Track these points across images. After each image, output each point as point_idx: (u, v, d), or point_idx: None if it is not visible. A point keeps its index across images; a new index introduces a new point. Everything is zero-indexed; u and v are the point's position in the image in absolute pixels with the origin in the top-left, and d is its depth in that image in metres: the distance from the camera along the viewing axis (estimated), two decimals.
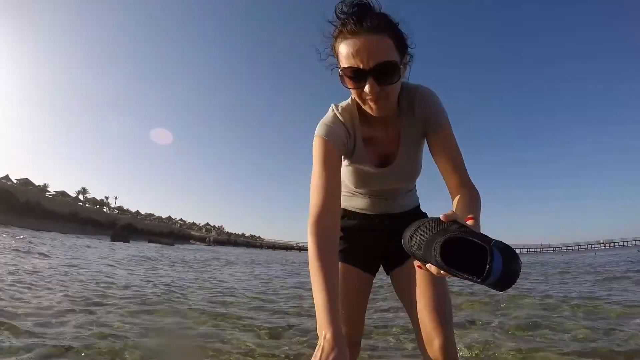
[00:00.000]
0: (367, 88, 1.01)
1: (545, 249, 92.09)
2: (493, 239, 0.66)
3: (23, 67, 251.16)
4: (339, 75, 1.05)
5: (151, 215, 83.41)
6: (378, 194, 1.40)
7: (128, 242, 38.22)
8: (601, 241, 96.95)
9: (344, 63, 1.02)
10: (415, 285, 1.27)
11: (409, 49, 1.08)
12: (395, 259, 1.40)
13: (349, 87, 1.05)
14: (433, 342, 1.19)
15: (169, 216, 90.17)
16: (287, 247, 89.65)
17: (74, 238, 26.68)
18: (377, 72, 0.99)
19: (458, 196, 1.13)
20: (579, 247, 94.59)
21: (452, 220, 0.76)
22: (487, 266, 0.61)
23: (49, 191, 61.89)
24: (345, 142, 1.18)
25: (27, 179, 57.36)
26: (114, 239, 38.98)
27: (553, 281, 7.93)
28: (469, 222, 0.81)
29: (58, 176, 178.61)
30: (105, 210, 68.90)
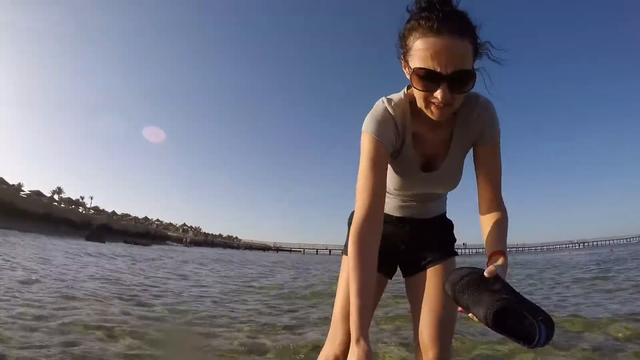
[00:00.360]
0: (438, 94, 0.96)
1: (522, 249, 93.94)
2: (538, 311, 0.76)
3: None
4: (409, 74, 0.99)
5: (127, 215, 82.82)
6: (414, 197, 1.36)
7: (103, 242, 38.42)
8: (575, 241, 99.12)
9: (417, 61, 0.95)
10: (428, 293, 1.32)
11: (485, 48, 1.02)
12: (415, 266, 1.39)
13: (418, 88, 0.98)
14: (428, 351, 1.25)
15: (146, 216, 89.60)
16: (265, 248, 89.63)
17: (44, 238, 26.55)
18: (453, 79, 0.93)
19: (489, 217, 1.14)
20: (554, 246, 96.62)
21: (494, 276, 0.84)
22: (537, 337, 0.74)
23: (23, 190, 61.28)
24: (394, 141, 1.14)
25: (1, 177, 56.71)
26: (89, 239, 39.18)
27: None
28: (500, 262, 0.94)
29: (34, 175, 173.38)
30: (80, 210, 68.42)
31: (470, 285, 0.84)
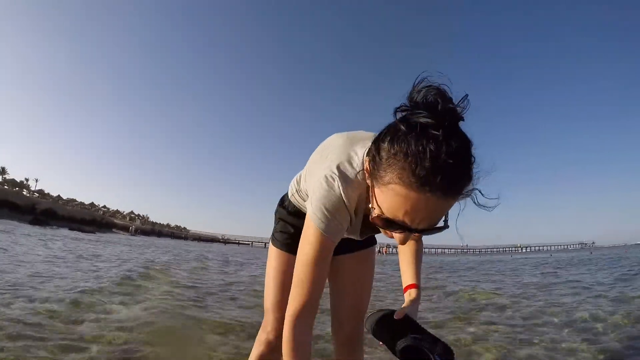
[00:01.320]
0: (398, 237, 0.86)
1: (466, 250, 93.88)
2: (437, 345, 0.90)
3: None
4: (373, 210, 0.83)
5: (73, 200, 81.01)
6: None
7: (47, 227, 39.04)
8: (518, 245, 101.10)
9: (386, 205, 0.78)
10: (349, 275, 1.43)
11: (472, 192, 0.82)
12: (338, 251, 1.25)
13: (379, 225, 0.83)
14: (345, 326, 1.41)
15: (92, 202, 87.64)
16: (213, 239, 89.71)
17: None
18: (421, 232, 0.80)
19: (407, 251, 1.21)
20: (498, 249, 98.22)
21: (402, 317, 1.00)
22: None
23: None
24: (345, 233, 1.05)
25: None
26: (33, 223, 39.76)
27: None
28: (413, 295, 1.11)
29: None
30: (25, 193, 66.93)
31: (384, 326, 1.01)
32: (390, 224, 0.81)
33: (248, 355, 1.46)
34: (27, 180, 73.33)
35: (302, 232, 1.04)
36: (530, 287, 6.98)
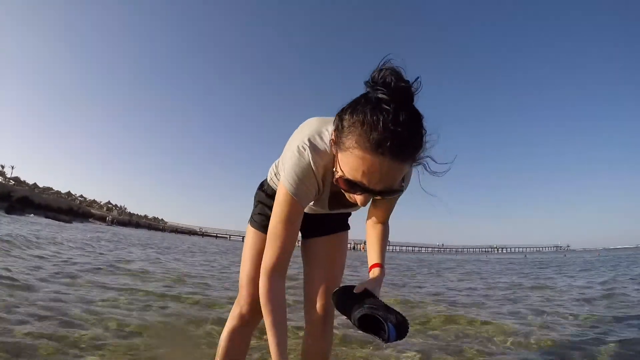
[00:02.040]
0: (359, 199, 0.96)
1: (443, 249, 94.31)
2: (392, 315, 0.98)
3: None
4: (336, 173, 0.97)
5: (50, 189, 78.92)
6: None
7: (23, 215, 37.40)
8: (495, 245, 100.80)
9: (347, 168, 0.92)
10: (321, 257, 1.49)
11: (424, 160, 0.97)
12: (312, 231, 1.50)
13: (341, 187, 0.98)
14: (317, 302, 1.44)
15: (69, 191, 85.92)
16: (191, 232, 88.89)
17: None
18: (379, 193, 0.93)
19: (375, 233, 1.33)
20: (474, 249, 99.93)
21: (362, 291, 1.10)
22: (386, 335, 0.96)
23: None
24: (314, 197, 1.16)
25: None
26: (9, 211, 38.52)
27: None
28: (376, 274, 1.22)
29: None
30: (0, 180, 65.89)
31: (346, 299, 1.11)
32: (351, 185, 0.95)
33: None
34: (2, 167, 71.26)
35: (275, 196, 1.16)
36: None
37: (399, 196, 1.22)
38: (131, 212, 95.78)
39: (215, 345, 1.70)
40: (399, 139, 0.85)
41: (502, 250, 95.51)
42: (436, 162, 0.99)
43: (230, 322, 1.48)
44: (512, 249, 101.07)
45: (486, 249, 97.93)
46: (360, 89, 0.97)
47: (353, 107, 0.93)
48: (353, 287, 1.15)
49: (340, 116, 0.97)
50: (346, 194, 1.03)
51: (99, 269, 6.18)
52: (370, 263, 1.31)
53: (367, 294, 1.10)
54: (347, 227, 1.60)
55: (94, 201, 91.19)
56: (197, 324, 3.16)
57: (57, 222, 36.49)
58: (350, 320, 1.06)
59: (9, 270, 4.86)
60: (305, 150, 1.09)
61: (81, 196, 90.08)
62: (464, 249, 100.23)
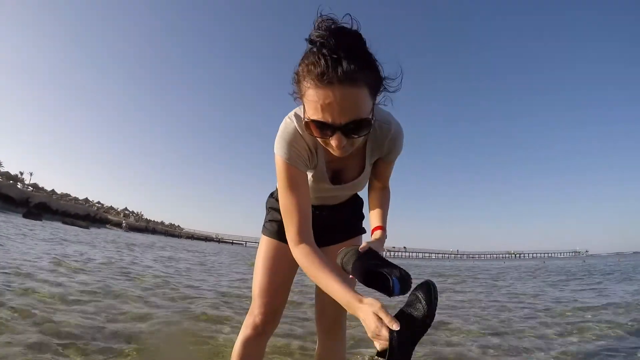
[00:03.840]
0: (333, 141, 0.97)
1: (459, 256, 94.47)
2: (396, 270, 1.03)
3: None
4: (305, 123, 0.99)
5: (67, 195, 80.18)
6: (328, 195, 1.42)
7: (40, 220, 38.05)
8: (512, 252, 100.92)
9: (310, 111, 0.95)
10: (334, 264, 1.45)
11: (384, 83, 1.00)
12: (328, 239, 1.50)
13: (314, 135, 0.99)
14: (327, 312, 1.48)
15: (86, 198, 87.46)
16: (207, 238, 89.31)
17: None
18: (347, 129, 0.94)
19: (375, 197, 1.40)
20: (490, 255, 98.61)
21: (366, 250, 1.13)
22: (392, 288, 1.00)
23: None
24: (308, 162, 1.18)
25: None
26: (26, 216, 38.61)
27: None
28: (378, 235, 1.27)
29: None
30: (19, 186, 66.51)
31: (351, 257, 1.14)
32: (319, 127, 0.96)
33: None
34: (21, 173, 73.15)
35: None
36: None
37: (393, 158, 1.31)
38: (148, 218, 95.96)
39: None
40: (340, 63, 0.88)
41: (518, 257, 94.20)
42: (392, 80, 1.02)
43: (244, 332, 1.46)
44: (530, 255, 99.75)
45: (504, 255, 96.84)
46: None
47: (301, 59, 0.98)
48: (358, 247, 1.18)
49: (294, 74, 1.00)
50: (322, 142, 1.04)
51: None
52: (372, 226, 1.35)
53: (371, 252, 1.14)
54: (361, 231, 1.60)
55: (111, 207, 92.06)
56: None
57: (73, 227, 37.14)
58: (355, 277, 1.12)
59: None
60: (291, 119, 1.14)
61: (98, 202, 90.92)
62: (481, 255, 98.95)
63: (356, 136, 0.98)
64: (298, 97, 1.02)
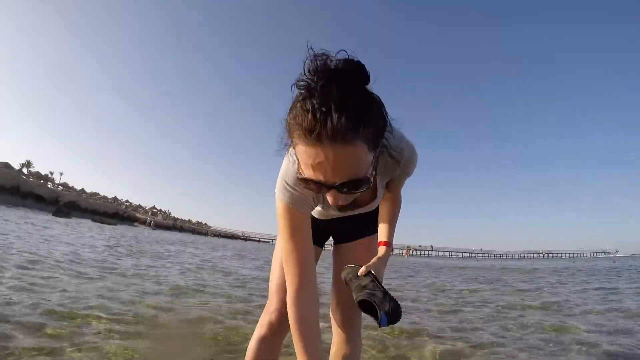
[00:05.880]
0: (329, 197, 0.89)
1: (484, 255, 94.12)
2: (387, 302, 1.06)
3: None
4: (298, 179, 0.88)
5: (97, 194, 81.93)
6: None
7: (69, 217, 39.67)
8: (540, 251, 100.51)
9: (303, 166, 0.84)
10: (350, 262, 1.38)
11: (388, 125, 0.89)
12: (342, 238, 1.52)
13: (309, 189, 0.89)
14: (343, 307, 1.48)
15: (115, 197, 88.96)
16: (233, 236, 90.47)
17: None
18: (343, 187, 0.83)
19: (385, 209, 1.36)
20: (518, 255, 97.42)
21: (365, 274, 1.16)
22: (378, 321, 1.06)
23: None
24: (313, 203, 1.12)
25: None
26: (56, 214, 39.72)
27: None
28: (381, 253, 1.28)
29: (2, 146, 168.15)
30: (49, 185, 67.74)
31: (351, 279, 1.19)
32: (314, 184, 0.85)
33: None
34: (51, 173, 75.08)
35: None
36: None
37: (406, 177, 1.28)
38: (175, 216, 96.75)
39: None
40: (330, 117, 0.75)
41: (546, 256, 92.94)
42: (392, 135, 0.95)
43: (259, 331, 1.41)
44: (559, 255, 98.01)
45: (532, 255, 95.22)
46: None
47: (290, 105, 0.85)
48: (359, 267, 1.21)
49: (285, 121, 0.87)
50: (327, 195, 0.92)
51: None
52: (379, 239, 1.36)
53: (370, 277, 1.16)
54: (374, 232, 1.53)
55: (139, 206, 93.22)
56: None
57: (101, 224, 37.15)
58: (354, 298, 1.16)
59: None
60: (293, 160, 0.97)
61: (127, 201, 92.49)
62: (508, 255, 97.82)
63: (353, 193, 0.89)
64: (290, 146, 0.89)
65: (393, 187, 1.33)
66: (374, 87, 0.83)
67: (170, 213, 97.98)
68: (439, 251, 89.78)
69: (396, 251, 67.71)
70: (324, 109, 0.74)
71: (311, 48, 0.78)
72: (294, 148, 0.85)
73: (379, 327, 1.06)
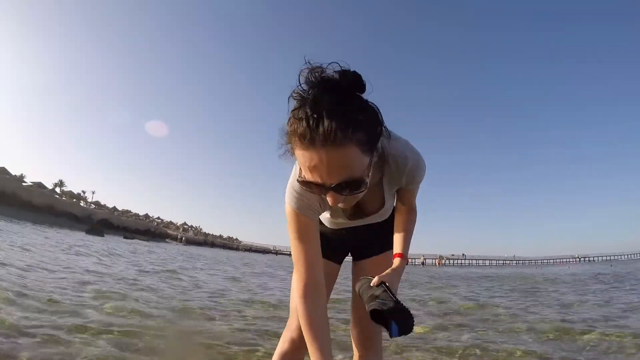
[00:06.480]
0: (329, 199, 0.93)
1: (518, 262, 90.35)
2: (398, 313, 1.05)
3: (4, 56, 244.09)
4: (298, 181, 0.96)
5: (128, 212, 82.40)
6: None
7: (102, 236, 38.93)
8: (576, 255, 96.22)
9: (303, 171, 0.92)
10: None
11: (384, 129, 0.97)
12: (361, 253, 1.55)
13: (310, 192, 0.97)
14: (362, 322, 1.45)
15: (147, 214, 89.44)
16: (265, 251, 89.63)
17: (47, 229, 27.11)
18: (340, 187, 0.89)
19: (399, 221, 1.35)
20: (553, 260, 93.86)
21: (378, 284, 1.12)
22: (389, 331, 1.05)
23: (25, 182, 61.09)
24: (319, 208, 1.17)
25: (3, 167, 56.61)
26: (89, 232, 39.49)
27: None
28: (396, 261, 1.25)
29: (35, 166, 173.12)
30: (81, 204, 68.27)
31: (364, 291, 1.15)
32: (313, 187, 0.92)
33: None
34: (84, 192, 76.16)
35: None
36: None
37: (415, 187, 1.29)
38: (206, 232, 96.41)
39: None
40: (321, 122, 0.82)
41: (583, 260, 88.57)
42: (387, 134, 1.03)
43: (281, 346, 1.45)
44: (596, 259, 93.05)
45: (567, 260, 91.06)
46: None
47: (290, 112, 0.92)
48: (372, 278, 1.20)
49: (284, 131, 0.95)
50: (328, 197, 0.96)
51: None
52: (394, 251, 1.34)
53: (383, 288, 1.15)
54: (391, 247, 1.52)
55: (171, 222, 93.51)
56: None
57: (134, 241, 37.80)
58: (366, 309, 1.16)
59: None
60: (299, 167, 1.03)
61: (158, 218, 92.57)
62: (543, 261, 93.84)
63: (351, 194, 0.93)
64: (290, 152, 0.95)
65: (406, 198, 1.35)
66: (375, 95, 0.92)
67: (201, 229, 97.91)
68: (472, 259, 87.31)
69: (429, 261, 67.39)
70: (315, 115, 0.82)
71: (308, 62, 0.85)
72: (294, 153, 0.92)
73: (390, 337, 1.07)
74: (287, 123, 0.90)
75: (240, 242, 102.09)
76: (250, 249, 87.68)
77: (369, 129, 0.89)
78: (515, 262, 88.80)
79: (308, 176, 0.91)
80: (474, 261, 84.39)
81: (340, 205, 0.97)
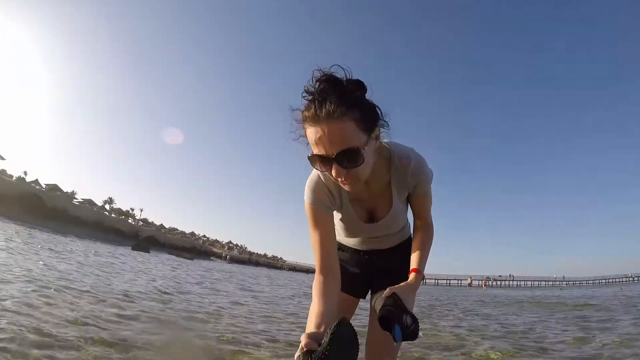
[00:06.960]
0: (333, 172, 1.09)
1: (567, 282, 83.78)
2: (403, 319, 1.07)
3: (54, 71, 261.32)
4: (308, 157, 1.12)
5: (175, 229, 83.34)
6: (369, 237, 1.57)
7: (148, 252, 38.58)
8: (630, 274, 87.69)
9: (311, 147, 1.10)
10: None
11: (381, 120, 1.14)
12: (376, 283, 1.64)
13: (317, 169, 1.14)
14: (378, 353, 1.51)
15: (193, 232, 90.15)
16: (308, 270, 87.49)
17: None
18: (340, 159, 1.05)
19: (417, 238, 1.44)
20: (606, 280, 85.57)
21: (389, 295, 1.16)
22: (392, 335, 1.07)
23: (76, 198, 62.44)
24: (330, 204, 1.34)
25: (55, 184, 58.04)
26: (135, 248, 39.27)
27: None
28: (410, 279, 1.30)
29: (86, 183, 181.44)
30: (129, 221, 69.01)
31: (377, 304, 1.19)
32: (318, 159, 1.09)
33: None
34: (132, 209, 77.85)
35: None
36: None
37: (423, 191, 1.39)
38: (251, 250, 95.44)
39: None
40: (325, 103, 1.02)
41: (638, 279, 78.95)
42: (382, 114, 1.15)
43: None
44: None
45: (621, 279, 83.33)
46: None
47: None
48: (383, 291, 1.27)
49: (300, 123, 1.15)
50: (330, 174, 1.13)
51: None
52: (410, 267, 1.40)
53: (392, 297, 1.19)
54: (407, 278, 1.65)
55: (216, 240, 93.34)
56: None
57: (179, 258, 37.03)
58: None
59: None
60: (314, 170, 1.29)
61: (204, 236, 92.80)
62: (595, 281, 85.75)
63: (351, 166, 1.08)
64: (304, 135, 1.14)
65: (418, 209, 1.46)
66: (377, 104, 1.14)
67: (246, 247, 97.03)
68: (520, 280, 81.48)
69: (475, 282, 64.52)
70: (320, 98, 1.02)
71: (319, 69, 1.06)
72: (305, 135, 1.11)
73: (395, 341, 1.09)
74: (301, 112, 1.09)
75: (285, 261, 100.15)
76: (295, 269, 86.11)
77: (365, 110, 1.08)
78: (565, 282, 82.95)
79: (315, 150, 1.07)
80: (523, 282, 79.55)
81: (346, 187, 1.15)
